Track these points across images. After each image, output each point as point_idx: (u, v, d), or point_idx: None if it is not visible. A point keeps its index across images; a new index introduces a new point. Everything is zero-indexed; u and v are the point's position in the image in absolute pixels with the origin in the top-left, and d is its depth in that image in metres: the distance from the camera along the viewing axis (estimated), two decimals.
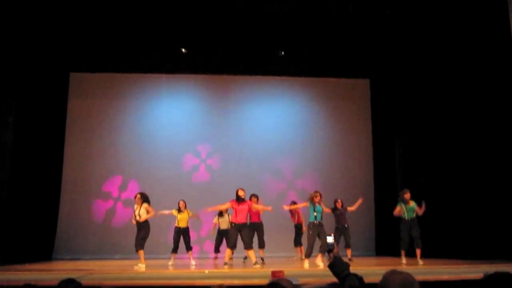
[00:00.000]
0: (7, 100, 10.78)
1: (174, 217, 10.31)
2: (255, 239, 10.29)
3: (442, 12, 10.49)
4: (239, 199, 9.29)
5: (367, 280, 3.62)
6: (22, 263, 9.92)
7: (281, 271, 6.05)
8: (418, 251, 9.28)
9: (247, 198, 9.67)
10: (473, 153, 10.25)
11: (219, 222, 10.91)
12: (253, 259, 9.24)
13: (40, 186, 11.90)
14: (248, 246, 9.29)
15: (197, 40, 12.35)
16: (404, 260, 9.33)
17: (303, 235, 11.10)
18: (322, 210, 9.27)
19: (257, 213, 10.50)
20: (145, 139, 13.63)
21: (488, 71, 9.87)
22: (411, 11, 10.83)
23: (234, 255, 10.44)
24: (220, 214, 10.91)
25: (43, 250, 12.05)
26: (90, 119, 13.60)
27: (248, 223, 9.72)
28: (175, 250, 10.17)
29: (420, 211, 9.47)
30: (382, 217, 12.92)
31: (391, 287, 2.32)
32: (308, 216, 9.31)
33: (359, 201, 10.72)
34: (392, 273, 2.40)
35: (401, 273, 2.38)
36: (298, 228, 11.36)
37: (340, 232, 10.47)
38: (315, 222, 9.11)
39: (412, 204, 9.47)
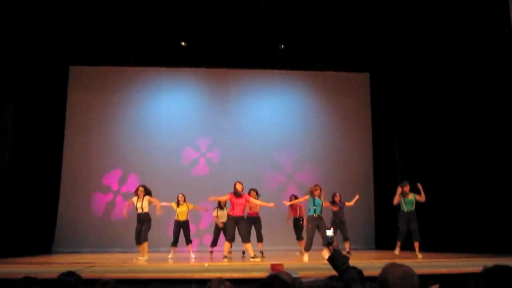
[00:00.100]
0: (7, 93, 10.76)
1: (174, 211, 10.34)
2: (253, 233, 10.29)
3: (442, 6, 10.45)
4: (236, 193, 9.30)
5: (366, 273, 3.64)
6: (22, 256, 9.94)
7: (281, 264, 6.07)
8: (416, 244, 9.30)
9: (245, 192, 9.67)
10: (472, 147, 10.25)
11: (218, 215, 10.91)
12: (251, 253, 9.26)
13: (40, 179, 11.91)
14: (245, 239, 9.30)
15: (197, 34, 12.30)
16: (397, 250, 9.36)
17: (304, 229, 11.15)
18: (322, 204, 9.28)
19: (254, 209, 10.51)
20: (145, 133, 13.62)
21: (488, 66, 9.85)
22: (411, 5, 10.79)
23: (233, 248, 10.47)
24: (219, 207, 10.91)
25: (43, 243, 12.07)
26: (90, 113, 13.59)
27: (245, 216, 9.73)
28: (174, 243, 10.19)
29: (422, 197, 9.46)
30: (381, 211, 12.95)
31: (390, 280, 2.32)
32: (308, 210, 9.32)
33: (356, 197, 10.77)
34: (392, 266, 2.41)
35: (400, 266, 2.38)
36: (298, 222, 11.35)
37: (337, 226, 10.48)
38: (314, 215, 9.13)
39: (411, 196, 9.48)
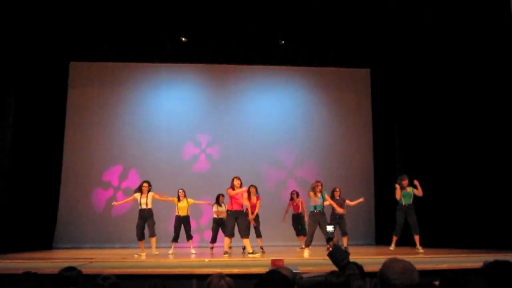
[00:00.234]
0: (7, 89, 10.76)
1: (174, 206, 10.36)
2: (252, 229, 10.30)
3: (443, 2, 10.43)
4: (234, 188, 9.32)
5: (366, 269, 3.64)
6: (22, 252, 9.96)
7: (281, 260, 6.07)
8: (416, 238, 9.32)
9: (244, 187, 9.67)
10: (472, 142, 10.24)
11: (218, 211, 10.91)
12: (249, 249, 9.26)
13: (40, 175, 11.91)
14: (244, 234, 9.31)
15: (197, 30, 12.29)
16: (392, 246, 9.35)
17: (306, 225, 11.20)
18: (323, 200, 9.31)
19: (254, 204, 10.51)
20: (145, 128, 13.62)
21: (489, 62, 9.83)
22: (412, 0, 10.77)
23: (234, 244, 10.48)
24: (217, 203, 10.92)
25: (44, 239, 12.09)
26: (90, 108, 13.59)
27: (244, 211, 9.73)
28: (175, 239, 10.21)
29: (419, 192, 9.48)
30: (381, 207, 12.96)
31: (391, 275, 2.32)
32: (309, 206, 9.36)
33: (360, 200, 10.72)
34: (392, 261, 2.41)
35: (401, 261, 2.38)
36: (299, 218, 11.37)
37: (336, 221, 10.47)
38: (315, 211, 9.16)
39: (409, 190, 9.50)
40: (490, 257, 3.52)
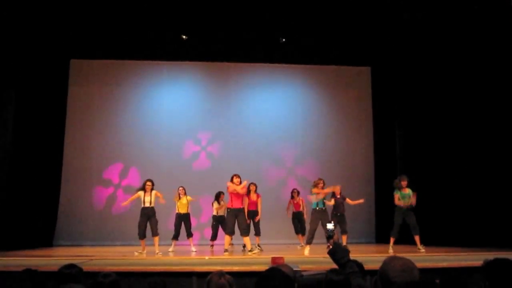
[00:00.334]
0: (8, 87, 10.76)
1: (175, 204, 10.36)
2: (251, 227, 10.31)
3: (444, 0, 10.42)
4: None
5: (367, 267, 3.64)
6: (22, 249, 9.96)
7: (282, 258, 6.07)
8: (417, 238, 9.30)
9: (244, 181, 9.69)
10: (473, 141, 10.25)
11: (217, 207, 10.89)
12: (248, 246, 9.29)
13: (41, 172, 11.91)
14: (244, 232, 9.31)
15: (198, 27, 12.28)
16: (391, 249, 9.29)
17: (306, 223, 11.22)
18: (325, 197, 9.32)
19: (254, 202, 10.50)
20: (146, 126, 13.61)
21: (489, 60, 9.83)
22: None
23: (234, 242, 10.49)
24: (217, 200, 10.91)
25: (44, 236, 12.08)
26: (91, 106, 13.58)
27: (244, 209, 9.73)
28: (176, 236, 10.22)
29: (413, 201, 9.44)
30: (382, 205, 12.94)
31: (391, 273, 2.32)
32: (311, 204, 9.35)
33: (361, 201, 10.67)
34: (392, 259, 2.41)
35: (401, 259, 2.38)
36: (299, 216, 11.40)
37: (337, 219, 10.45)
38: (317, 208, 9.16)
39: (408, 191, 9.47)
40: (490, 255, 3.52)
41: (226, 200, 10.15)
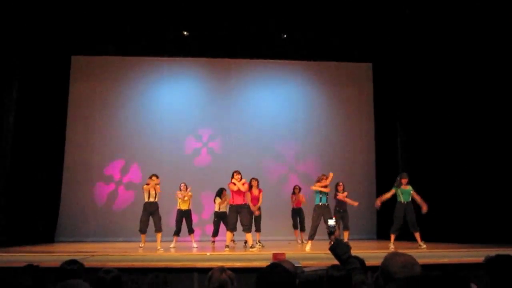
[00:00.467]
0: (9, 83, 10.76)
1: (176, 200, 10.36)
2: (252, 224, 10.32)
3: None
4: (235, 183, 9.33)
5: (368, 263, 3.65)
6: (24, 245, 9.99)
7: (283, 254, 6.09)
8: (417, 235, 9.28)
9: (243, 180, 9.69)
10: (474, 137, 10.24)
11: (220, 203, 10.87)
12: (250, 242, 9.32)
13: (42, 169, 11.94)
14: (247, 229, 9.32)
15: (199, 23, 12.26)
16: (392, 245, 9.29)
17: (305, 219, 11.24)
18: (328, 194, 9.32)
19: (256, 197, 10.50)
20: (147, 123, 13.62)
21: (490, 57, 9.81)
22: None
23: (236, 238, 10.49)
24: (220, 197, 10.89)
25: (46, 232, 12.11)
26: (92, 102, 13.59)
27: (247, 205, 9.72)
28: (177, 233, 10.21)
29: (417, 198, 9.42)
30: (383, 201, 12.93)
31: (392, 269, 2.32)
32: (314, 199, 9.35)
33: (355, 203, 10.57)
34: (394, 255, 2.40)
35: (402, 255, 2.38)
36: (299, 212, 11.41)
37: (339, 214, 10.45)
38: (320, 204, 9.17)
39: (408, 187, 9.45)
40: (492, 251, 3.53)
41: (228, 197, 10.15)
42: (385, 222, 12.48)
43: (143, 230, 9.57)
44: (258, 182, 10.52)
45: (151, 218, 9.67)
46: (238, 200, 9.34)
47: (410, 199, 9.42)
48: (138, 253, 8.67)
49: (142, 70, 13.90)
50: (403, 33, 12.33)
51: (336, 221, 3.88)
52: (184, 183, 10.42)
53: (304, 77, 14.34)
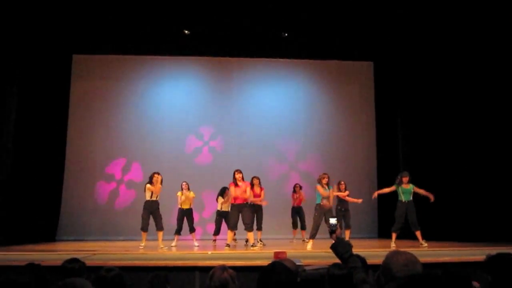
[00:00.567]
0: (10, 82, 10.76)
1: (178, 199, 10.35)
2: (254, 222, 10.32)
3: None
4: (235, 182, 9.32)
5: (369, 261, 3.64)
6: (25, 244, 10.00)
7: (284, 252, 6.08)
8: (417, 233, 9.27)
9: (247, 180, 9.70)
10: (475, 136, 10.23)
11: (222, 202, 10.87)
12: (251, 241, 9.32)
13: (43, 167, 11.94)
14: (248, 227, 9.32)
15: (200, 22, 12.25)
16: (393, 243, 9.28)
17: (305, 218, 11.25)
18: (330, 193, 9.30)
19: (258, 195, 10.48)
20: (148, 121, 13.62)
21: (493, 56, 9.80)
22: None
23: (237, 237, 10.49)
24: (222, 195, 10.89)
25: (47, 231, 12.11)
26: (93, 101, 13.59)
27: (248, 204, 9.71)
28: (178, 231, 10.21)
29: (426, 193, 9.43)
30: (384, 200, 12.88)
31: (394, 267, 2.32)
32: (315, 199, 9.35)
33: (358, 200, 10.57)
34: (395, 253, 2.41)
35: (404, 253, 2.38)
36: (298, 211, 11.42)
37: (341, 213, 10.45)
38: (321, 203, 9.16)
39: (409, 186, 9.44)
40: (493, 250, 3.53)
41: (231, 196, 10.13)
42: (387, 221, 12.48)
43: (145, 228, 9.51)
44: (259, 180, 10.52)
45: (151, 217, 9.65)
46: (240, 200, 9.34)
47: (411, 198, 9.41)
48: (139, 251, 8.67)
49: (143, 68, 13.90)
50: (404, 31, 12.30)
51: (337, 220, 3.87)
52: (185, 182, 10.41)
53: (305, 76, 14.34)
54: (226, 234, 9.63)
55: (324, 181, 9.23)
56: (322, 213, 9.08)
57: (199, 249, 9.41)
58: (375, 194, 10.16)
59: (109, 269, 3.33)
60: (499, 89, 9.63)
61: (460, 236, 9.92)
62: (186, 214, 10.26)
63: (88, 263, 4.18)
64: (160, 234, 9.55)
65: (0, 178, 10.35)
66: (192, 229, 10.29)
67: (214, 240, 10.91)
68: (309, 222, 10.34)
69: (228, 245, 9.23)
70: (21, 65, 11.07)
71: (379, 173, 13.70)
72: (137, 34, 12.64)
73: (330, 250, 3.43)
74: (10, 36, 10.51)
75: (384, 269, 2.40)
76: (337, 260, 3.31)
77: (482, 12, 9.90)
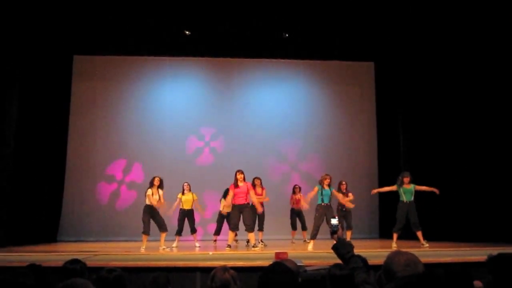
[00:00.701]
0: (11, 83, 10.77)
1: (179, 200, 10.34)
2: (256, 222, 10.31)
3: None
4: (235, 183, 9.32)
5: (371, 262, 3.64)
6: (26, 245, 10.00)
7: (285, 253, 6.08)
8: (419, 234, 9.24)
9: (249, 180, 9.69)
10: (477, 136, 10.23)
11: (225, 205, 10.85)
12: (252, 242, 9.31)
13: (44, 168, 11.95)
14: (249, 228, 9.30)
15: (201, 23, 12.26)
16: (395, 244, 9.26)
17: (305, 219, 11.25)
18: (331, 194, 9.28)
19: (259, 195, 10.48)
20: (149, 122, 13.62)
21: (494, 56, 9.79)
22: None
23: (238, 237, 10.49)
24: (224, 197, 10.88)
25: (48, 232, 12.12)
26: (94, 102, 13.59)
27: (250, 205, 9.69)
28: (179, 232, 10.20)
29: (430, 189, 9.44)
30: (386, 200, 12.90)
31: (395, 268, 2.32)
32: (316, 200, 9.34)
33: (351, 205, 10.48)
34: (397, 253, 2.40)
35: (405, 253, 2.38)
36: (298, 213, 11.41)
37: (342, 214, 10.43)
38: (322, 204, 9.16)
39: (410, 186, 9.43)
40: (494, 250, 3.53)
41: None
42: (388, 221, 12.48)
43: (147, 232, 9.43)
44: (261, 180, 10.52)
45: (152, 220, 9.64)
46: (241, 200, 9.32)
47: (412, 198, 9.39)
48: (140, 252, 8.68)
49: (144, 69, 13.90)
50: (405, 32, 12.31)
51: (338, 220, 3.86)
52: (187, 182, 10.41)
53: (306, 76, 14.33)
54: (227, 234, 9.62)
55: (326, 182, 9.23)
56: (323, 213, 9.07)
57: (200, 249, 9.41)
58: (374, 190, 10.24)
59: (111, 270, 3.33)
60: (500, 89, 9.62)
61: (461, 237, 9.91)
62: (187, 215, 10.25)
63: (89, 264, 4.18)
64: (163, 235, 9.55)
65: (1, 179, 10.35)
66: (193, 230, 10.28)
67: (215, 241, 10.91)
68: (309, 222, 10.33)
69: (229, 246, 9.22)
70: (22, 66, 11.07)
71: (380, 173, 13.69)
72: (138, 35, 12.64)
73: (331, 251, 3.43)
74: (11, 36, 10.52)
75: (385, 270, 2.40)
76: (338, 261, 3.30)
77: (482, 12, 9.90)
